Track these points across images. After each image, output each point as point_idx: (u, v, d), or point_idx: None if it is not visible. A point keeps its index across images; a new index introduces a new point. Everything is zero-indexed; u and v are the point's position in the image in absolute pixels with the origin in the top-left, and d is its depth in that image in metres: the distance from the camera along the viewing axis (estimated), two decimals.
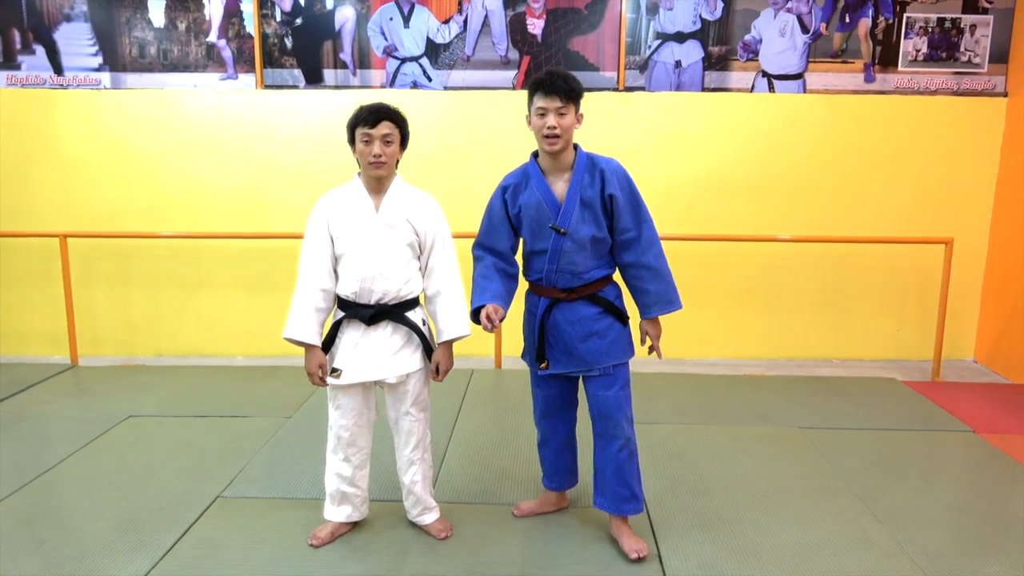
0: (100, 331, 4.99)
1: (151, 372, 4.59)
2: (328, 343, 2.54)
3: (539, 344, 2.55)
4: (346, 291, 2.49)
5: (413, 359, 2.54)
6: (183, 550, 2.56)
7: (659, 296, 2.47)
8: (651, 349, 2.56)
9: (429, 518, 2.70)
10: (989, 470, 3.24)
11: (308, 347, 2.48)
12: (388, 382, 2.54)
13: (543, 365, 2.55)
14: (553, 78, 2.37)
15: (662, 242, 2.51)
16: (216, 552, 2.55)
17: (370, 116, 2.40)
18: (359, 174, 2.52)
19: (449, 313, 2.55)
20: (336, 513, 2.65)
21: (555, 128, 2.35)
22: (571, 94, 2.36)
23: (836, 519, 2.79)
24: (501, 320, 2.46)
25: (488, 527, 2.72)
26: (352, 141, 2.46)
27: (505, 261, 2.58)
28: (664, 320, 2.54)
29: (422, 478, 2.66)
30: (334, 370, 2.51)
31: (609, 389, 2.51)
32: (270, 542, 2.62)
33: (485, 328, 2.45)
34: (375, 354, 2.49)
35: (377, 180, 2.47)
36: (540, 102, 2.37)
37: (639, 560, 2.49)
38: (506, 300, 2.55)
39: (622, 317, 2.53)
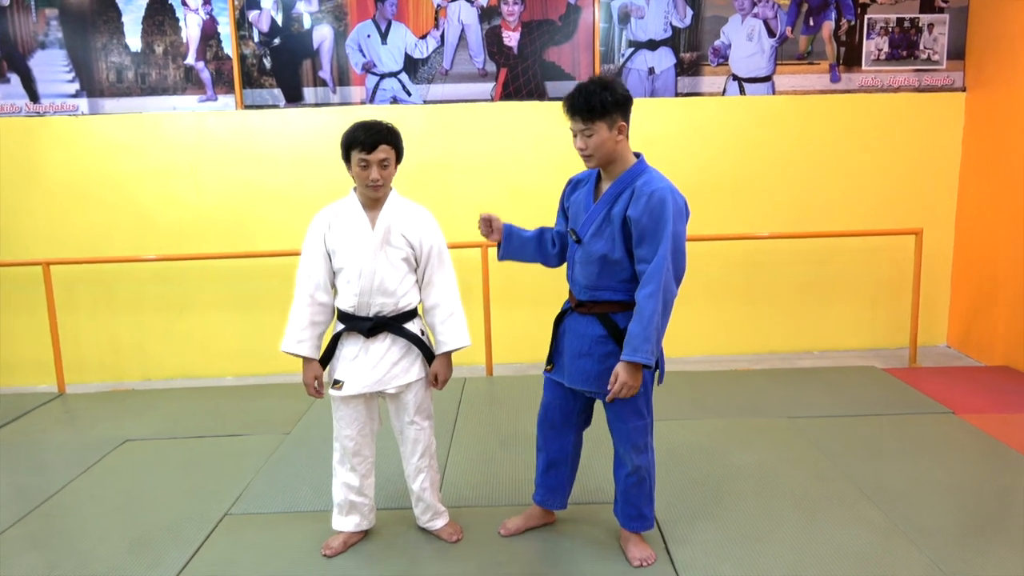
0: (86, 358, 4.96)
1: (141, 396, 4.57)
2: (328, 355, 2.59)
3: (551, 345, 2.57)
4: (345, 305, 2.53)
5: (412, 370, 2.59)
6: (197, 567, 2.58)
7: (630, 337, 2.23)
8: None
9: (439, 523, 2.75)
10: (971, 449, 3.37)
11: (304, 359, 2.53)
12: (389, 392, 2.58)
13: (548, 367, 2.58)
14: (573, 95, 2.26)
15: None
16: (230, 568, 2.58)
17: (367, 140, 2.41)
18: (355, 189, 2.56)
19: (449, 324, 2.60)
20: (345, 523, 2.69)
21: (583, 149, 2.30)
22: (591, 113, 2.23)
23: (832, 502, 2.90)
24: (496, 230, 2.55)
25: (496, 528, 2.77)
26: (347, 159, 2.49)
27: (554, 239, 2.61)
28: None
29: (430, 485, 2.71)
30: (336, 382, 2.55)
31: (615, 420, 2.44)
32: (283, 555, 2.65)
33: (481, 228, 2.56)
34: (375, 366, 2.53)
35: (374, 199, 2.53)
36: (569, 123, 2.30)
37: (643, 567, 2.51)
38: (520, 239, 2.59)
39: None
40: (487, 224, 2.57)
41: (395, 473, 3.05)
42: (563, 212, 2.58)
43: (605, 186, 2.40)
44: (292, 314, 2.53)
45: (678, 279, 2.29)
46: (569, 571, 2.51)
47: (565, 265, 2.58)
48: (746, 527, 2.73)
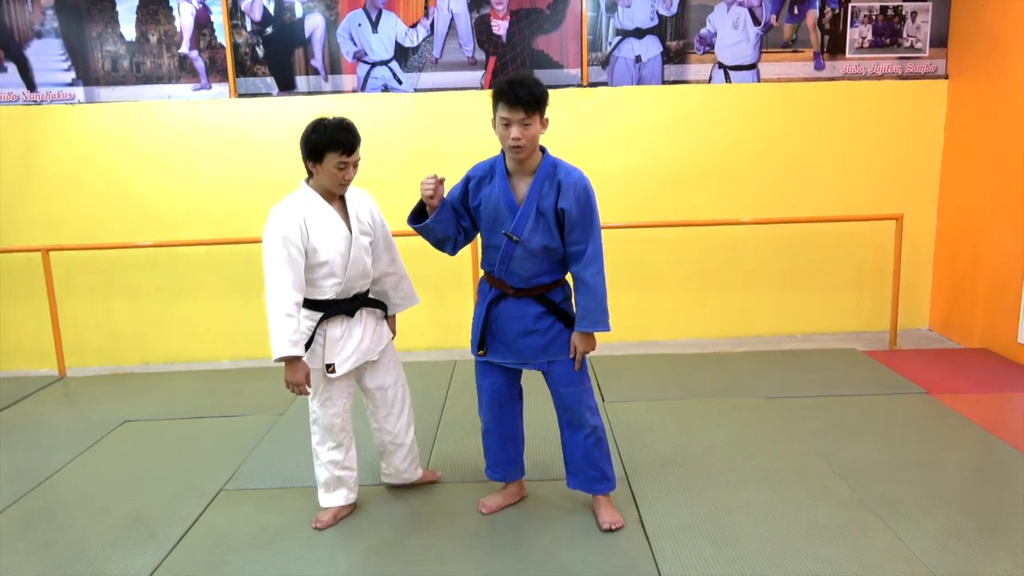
0: (85, 342, 5.07)
1: (140, 379, 4.69)
2: (306, 348, 2.61)
3: (482, 332, 2.66)
4: (325, 295, 2.63)
5: (384, 333, 2.85)
6: (193, 539, 2.71)
7: (586, 312, 2.50)
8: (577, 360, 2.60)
9: (420, 472, 3.03)
10: (941, 427, 3.49)
11: (295, 360, 2.51)
12: (370, 360, 2.78)
13: (481, 352, 2.69)
14: (516, 88, 2.32)
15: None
16: (225, 539, 2.70)
17: (350, 143, 2.51)
18: (307, 181, 2.63)
19: (401, 288, 2.89)
20: (334, 498, 2.82)
21: (519, 140, 2.35)
22: (535, 105, 2.33)
23: (800, 477, 3.01)
24: (439, 197, 2.49)
25: (479, 501, 2.89)
26: (319, 158, 2.52)
27: (465, 231, 2.64)
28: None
29: (414, 434, 2.98)
30: (328, 366, 2.65)
31: (568, 385, 2.62)
32: (276, 528, 2.77)
33: (430, 186, 2.46)
34: (361, 339, 2.72)
35: (337, 193, 2.63)
36: (504, 112, 2.35)
37: (613, 531, 2.66)
38: (449, 216, 2.53)
39: (566, 318, 2.59)
40: (437, 187, 2.49)
41: (371, 449, 3.14)
42: (463, 207, 2.60)
43: (520, 182, 2.50)
44: (278, 319, 2.48)
45: None
46: (545, 539, 2.63)
47: (486, 258, 2.65)
48: (717, 500, 2.85)
